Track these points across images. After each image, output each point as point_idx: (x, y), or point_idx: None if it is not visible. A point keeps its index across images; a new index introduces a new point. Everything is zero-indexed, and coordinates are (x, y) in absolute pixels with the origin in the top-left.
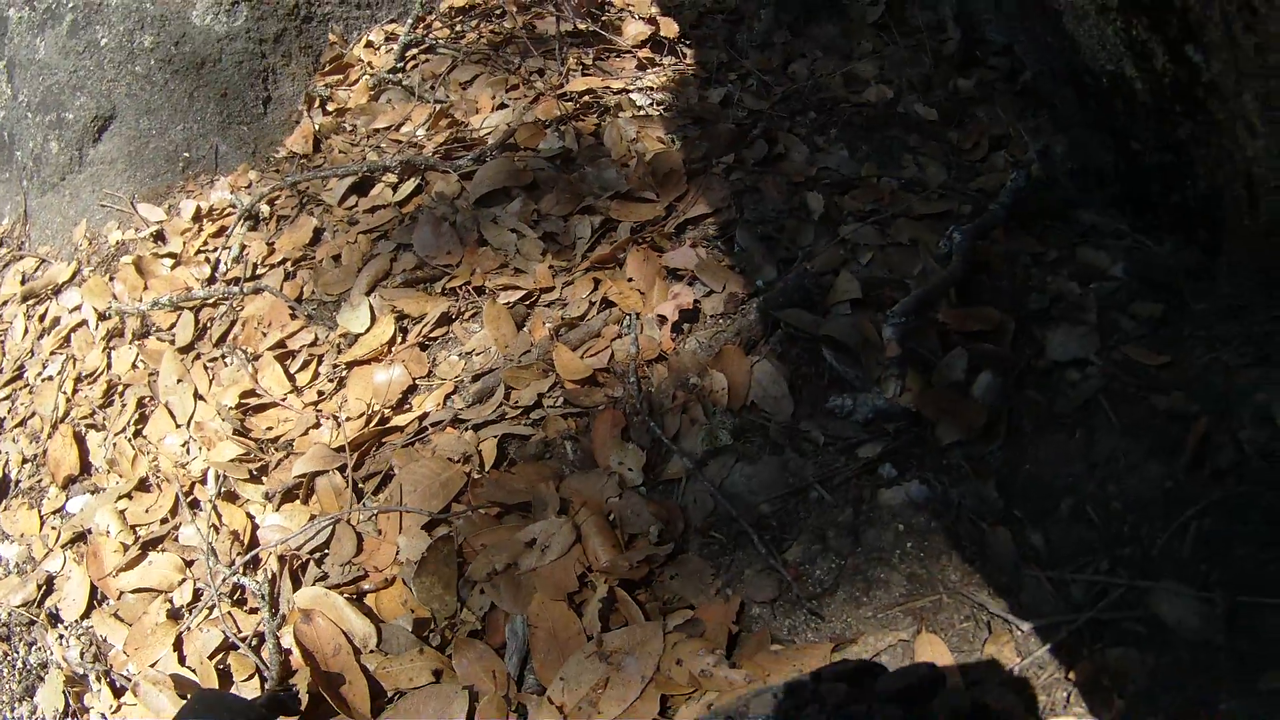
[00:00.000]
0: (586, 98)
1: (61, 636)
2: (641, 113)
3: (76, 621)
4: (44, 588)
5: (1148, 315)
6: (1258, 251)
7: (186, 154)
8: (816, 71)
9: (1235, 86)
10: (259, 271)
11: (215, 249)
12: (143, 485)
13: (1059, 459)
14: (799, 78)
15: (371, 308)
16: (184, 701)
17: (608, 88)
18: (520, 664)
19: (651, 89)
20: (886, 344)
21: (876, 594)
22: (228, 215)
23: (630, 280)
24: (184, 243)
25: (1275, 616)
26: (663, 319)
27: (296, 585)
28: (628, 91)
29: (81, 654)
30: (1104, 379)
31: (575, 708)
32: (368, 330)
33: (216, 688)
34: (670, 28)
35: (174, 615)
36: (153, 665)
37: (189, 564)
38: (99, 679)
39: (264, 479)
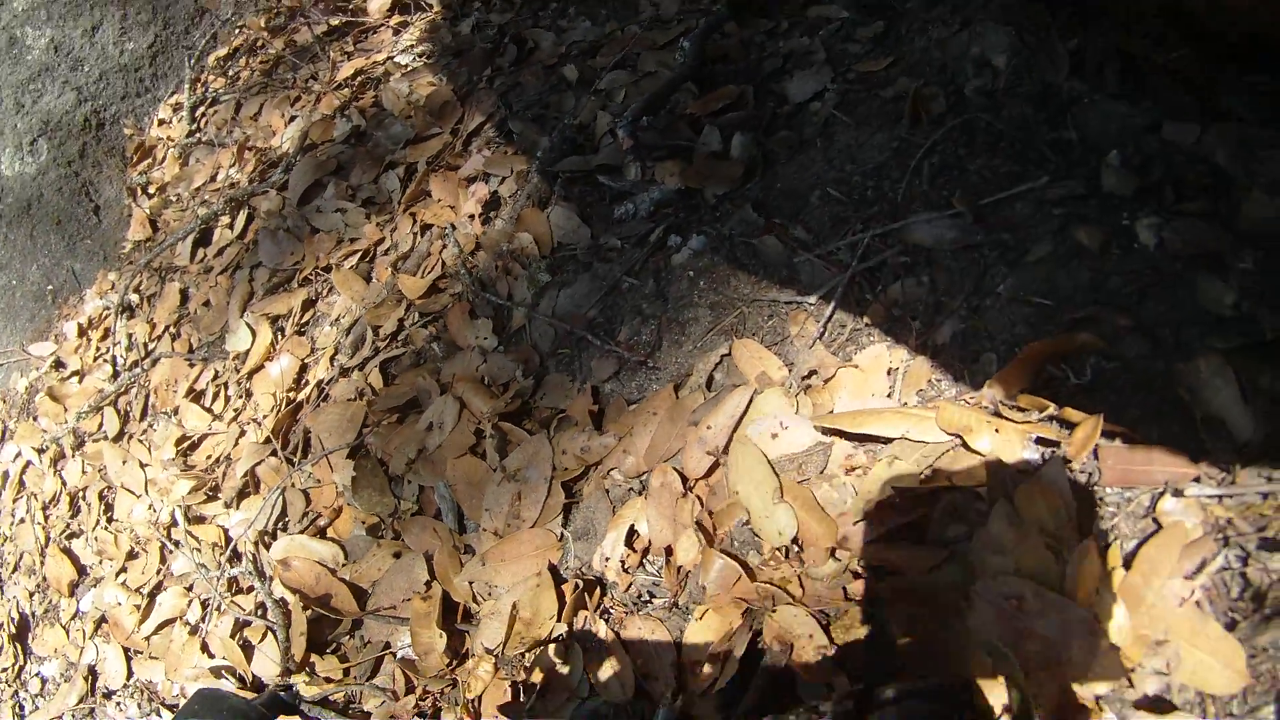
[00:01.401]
0: (359, 79)
1: (119, 704)
2: (409, 69)
3: (124, 687)
4: (90, 679)
5: (870, 35)
6: None
7: (50, 286)
8: None
9: None
10: (151, 347)
11: (108, 349)
12: (131, 555)
13: (805, 167)
14: None
15: (248, 325)
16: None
17: (374, 63)
18: (457, 518)
19: (411, 46)
20: (621, 142)
21: (691, 331)
22: (106, 318)
23: (439, 201)
24: (80, 358)
25: (1017, 204)
26: (471, 216)
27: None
28: (391, 59)
29: (140, 706)
30: (838, 97)
31: (505, 525)
32: (252, 344)
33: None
34: None
35: (193, 631)
36: (190, 670)
37: (189, 588)
38: (159, 715)
39: (219, 494)
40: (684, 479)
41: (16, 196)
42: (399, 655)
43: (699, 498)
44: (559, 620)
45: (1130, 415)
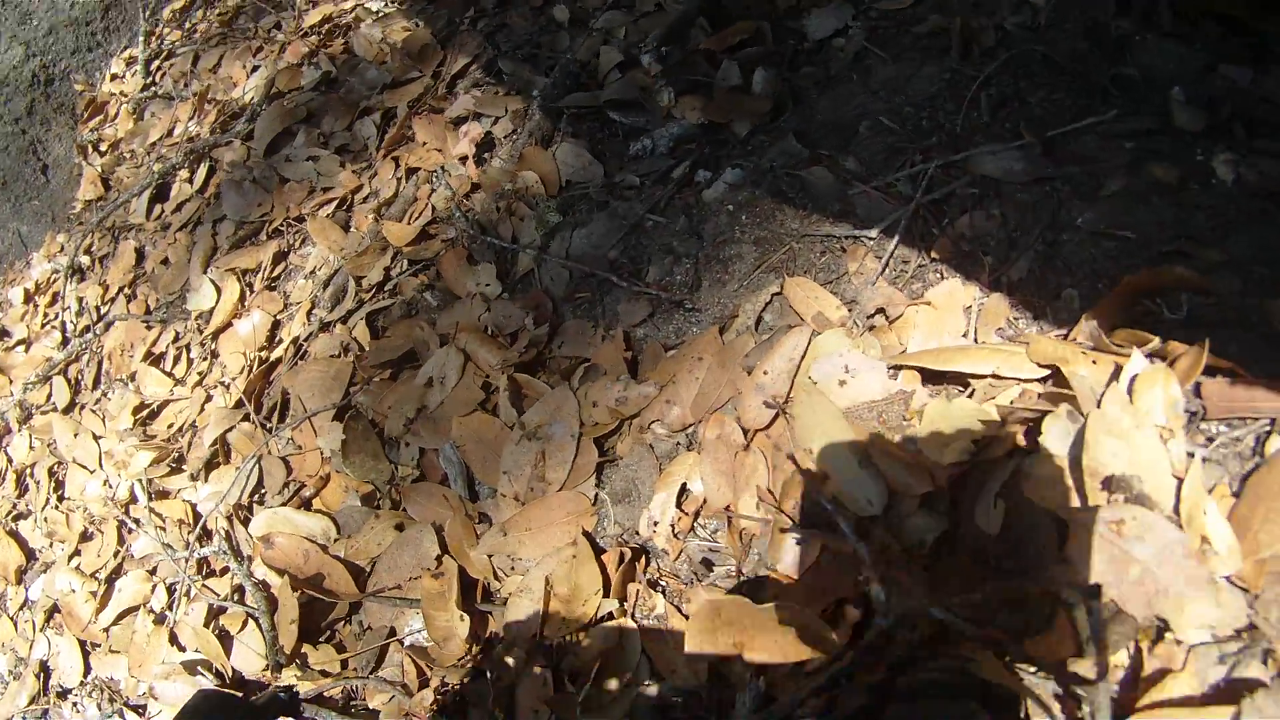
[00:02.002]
0: (325, 27)
1: (75, 704)
2: (380, 15)
3: (81, 684)
4: (42, 676)
5: None
6: None
7: None
8: None
9: None
10: (103, 310)
11: (57, 314)
12: (85, 537)
13: (844, 100)
14: None
15: (211, 281)
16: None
17: (341, 10)
18: (467, 482)
19: None
20: (648, 69)
21: (735, 269)
22: (55, 282)
23: (424, 144)
24: (26, 326)
25: (1084, 137)
26: (464, 157)
27: (249, 528)
28: (360, 4)
29: (100, 707)
30: (865, 33)
31: (528, 490)
32: (217, 301)
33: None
34: None
35: (159, 620)
36: (159, 666)
37: (153, 571)
38: (122, 718)
39: (184, 465)
40: (743, 431)
41: None
42: (407, 642)
43: (761, 452)
44: (606, 595)
45: (1229, 352)
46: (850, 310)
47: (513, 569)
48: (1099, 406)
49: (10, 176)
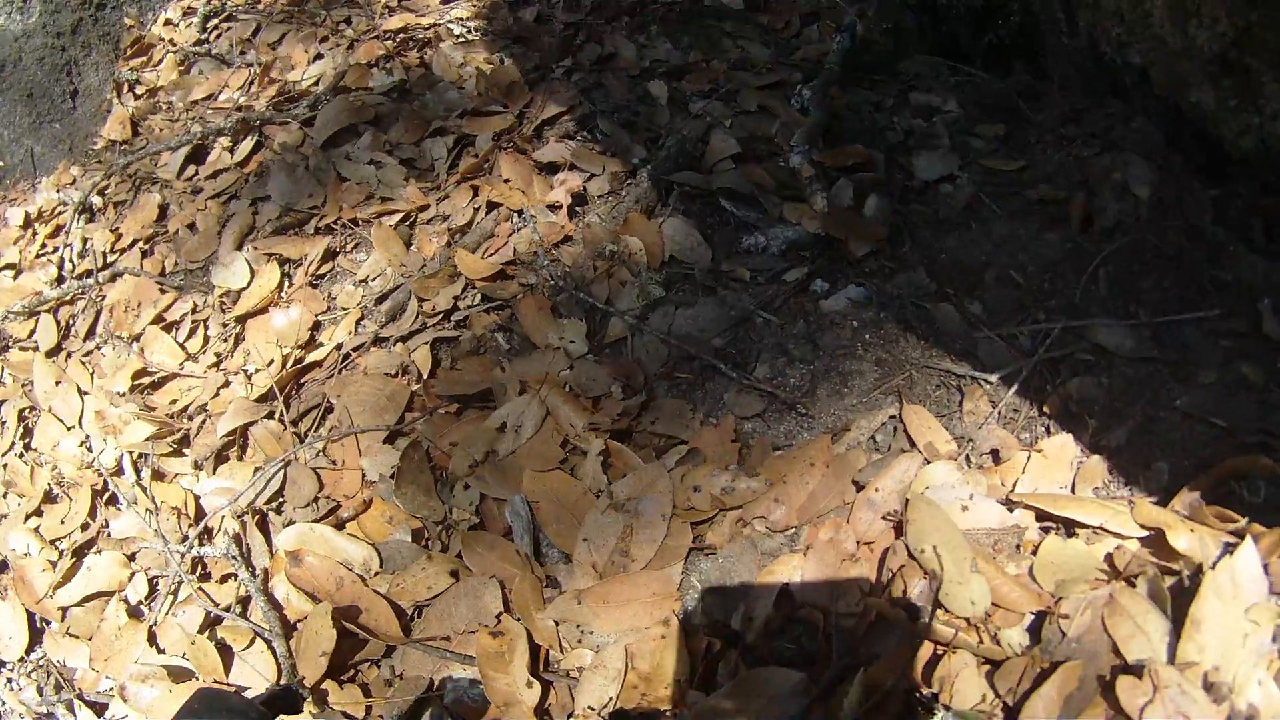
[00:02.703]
0: (402, 35)
1: (10, 681)
2: (461, 40)
3: (23, 659)
4: None
5: (993, 135)
6: (1080, 66)
7: (1, 163)
8: None
9: None
10: (111, 258)
11: (56, 249)
12: (49, 498)
13: (966, 245)
14: None
15: (247, 261)
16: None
17: (420, 24)
18: (533, 541)
19: (462, 19)
20: (800, 169)
21: (853, 384)
22: (60, 214)
23: (507, 181)
24: (20, 251)
25: (1190, 328)
26: (556, 206)
27: (268, 537)
28: (441, 24)
29: (40, 690)
30: (975, 185)
31: (609, 562)
32: (250, 283)
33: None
34: None
35: (134, 613)
36: (134, 665)
37: (132, 557)
38: (69, 709)
39: (186, 450)
40: (855, 540)
41: None
42: (449, 699)
43: (867, 563)
44: (692, 685)
45: None
46: (959, 445)
47: (580, 641)
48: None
49: (38, 91)
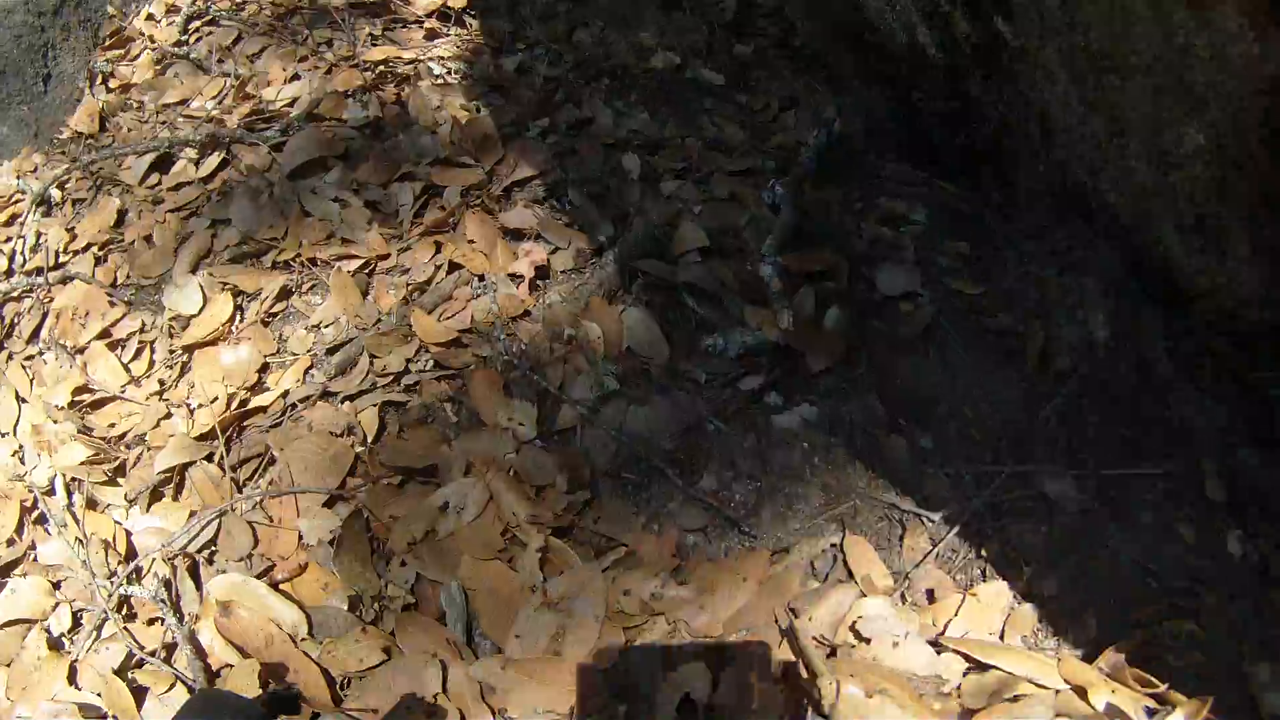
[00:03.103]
0: (382, 68)
1: None
2: (440, 81)
3: None
4: None
5: (956, 252)
6: (1049, 183)
7: None
8: (605, 40)
9: (1039, 44)
10: (63, 259)
11: (9, 239)
12: None
13: (921, 373)
14: (586, 45)
15: (201, 287)
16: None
17: (401, 58)
18: (466, 629)
19: (444, 59)
20: (769, 281)
21: (798, 507)
22: (17, 202)
23: (471, 243)
24: None
25: (1136, 482)
26: (518, 277)
27: (198, 583)
28: (421, 61)
29: None
30: (935, 308)
31: (540, 660)
32: (201, 310)
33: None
34: None
35: (56, 645)
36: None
37: (57, 585)
38: None
39: (121, 479)
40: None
41: None
42: None
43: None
44: None
45: (1218, 703)
46: (896, 581)
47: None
48: None
49: (10, 69)
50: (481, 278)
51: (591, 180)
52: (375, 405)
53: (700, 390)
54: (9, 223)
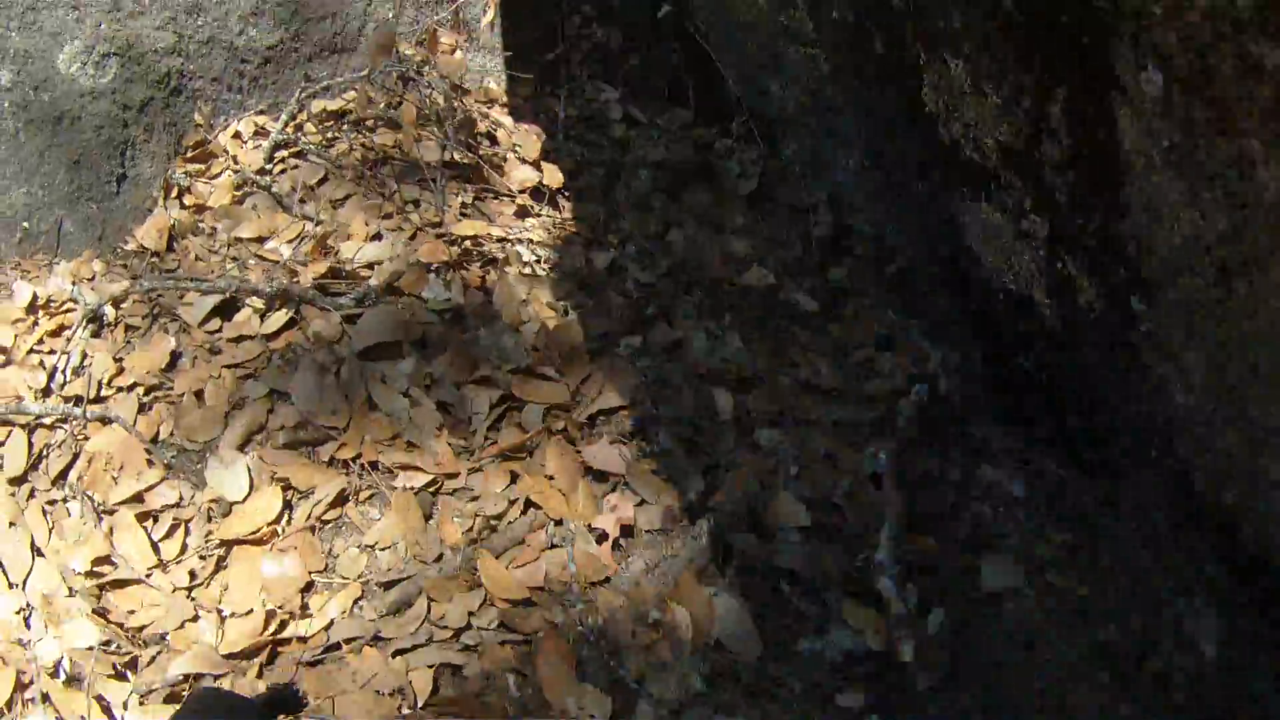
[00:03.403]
0: (469, 243)
1: None
2: (528, 270)
3: None
4: None
5: (1060, 541)
6: (1165, 492)
7: (26, 224)
8: (696, 243)
9: (1183, 343)
10: (105, 393)
11: (53, 351)
12: None
13: (1023, 687)
14: (678, 249)
15: (249, 470)
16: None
17: (489, 235)
18: None
19: (534, 242)
20: (888, 600)
21: None
22: (68, 311)
23: (551, 479)
24: (15, 336)
25: None
26: (601, 534)
27: None
28: (509, 241)
29: None
30: (1041, 611)
31: None
32: (246, 499)
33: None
34: (554, 177)
35: None
36: None
37: None
38: None
39: (132, 673)
40: None
41: (55, 99)
42: None
43: None
44: None
45: None
46: None
47: None
48: None
49: (86, 160)
50: (559, 522)
51: (682, 420)
52: (431, 666)
53: (795, 702)
54: (56, 333)
